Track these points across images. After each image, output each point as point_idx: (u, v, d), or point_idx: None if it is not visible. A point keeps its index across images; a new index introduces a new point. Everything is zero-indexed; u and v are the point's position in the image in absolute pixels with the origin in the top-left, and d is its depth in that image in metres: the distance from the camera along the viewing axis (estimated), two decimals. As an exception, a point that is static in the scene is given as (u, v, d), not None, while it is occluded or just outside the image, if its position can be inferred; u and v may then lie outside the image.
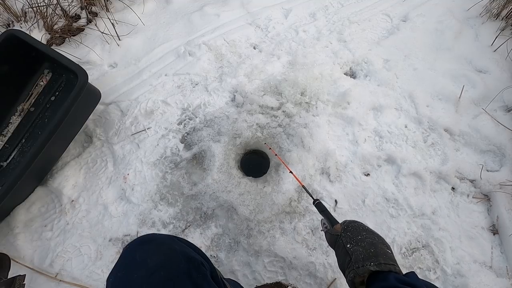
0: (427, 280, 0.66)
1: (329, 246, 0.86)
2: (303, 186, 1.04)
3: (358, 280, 0.67)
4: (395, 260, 0.68)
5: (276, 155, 1.36)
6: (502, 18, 1.80)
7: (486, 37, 1.76)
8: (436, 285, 1.18)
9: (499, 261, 1.23)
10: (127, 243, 1.06)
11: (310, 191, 1.33)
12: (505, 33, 1.75)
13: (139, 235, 1.24)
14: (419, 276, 0.64)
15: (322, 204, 0.93)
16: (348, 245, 0.73)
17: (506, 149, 1.41)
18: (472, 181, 1.39)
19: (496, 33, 1.74)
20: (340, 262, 0.76)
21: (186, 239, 1.24)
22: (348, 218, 0.88)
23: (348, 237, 0.75)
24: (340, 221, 0.84)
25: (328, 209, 0.92)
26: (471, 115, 1.52)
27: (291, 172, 1.16)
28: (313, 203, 0.94)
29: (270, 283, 1.14)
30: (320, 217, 0.95)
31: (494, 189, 1.34)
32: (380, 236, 0.75)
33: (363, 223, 0.81)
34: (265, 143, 1.45)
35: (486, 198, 1.35)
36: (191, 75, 1.66)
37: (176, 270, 0.58)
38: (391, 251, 0.71)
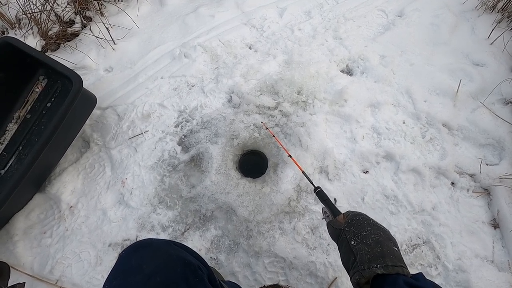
0: (430, 279, 0.65)
1: (331, 239, 0.83)
2: (303, 172, 1.02)
3: (363, 281, 0.64)
4: (402, 259, 0.66)
5: (273, 136, 1.37)
6: (498, 11, 1.79)
7: (483, 30, 1.75)
8: (438, 281, 1.18)
9: (500, 255, 1.22)
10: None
11: (308, 189, 1.33)
12: (502, 25, 1.74)
13: (138, 239, 1.24)
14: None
15: (324, 192, 0.90)
16: (353, 242, 0.69)
17: (505, 142, 1.41)
18: (471, 175, 1.38)
19: (492, 26, 1.73)
20: (344, 260, 0.73)
21: (186, 242, 1.24)
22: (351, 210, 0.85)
23: (352, 232, 0.71)
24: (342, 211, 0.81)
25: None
26: (469, 109, 1.52)
27: (290, 156, 1.15)
28: (314, 191, 0.92)
29: (268, 285, 1.13)
30: (321, 205, 0.92)
31: (494, 183, 1.33)
32: (386, 231, 0.72)
33: (368, 215, 0.77)
34: (261, 122, 1.46)
35: (486, 192, 1.34)
36: (187, 77, 1.65)
37: (173, 275, 0.58)
38: (398, 247, 0.68)
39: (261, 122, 1.45)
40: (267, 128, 1.40)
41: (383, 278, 0.62)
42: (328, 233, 0.96)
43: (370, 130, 1.47)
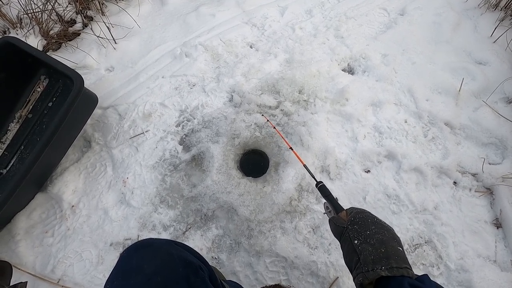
0: (431, 278, 0.64)
1: (333, 236, 0.81)
2: (304, 166, 1.01)
3: (367, 282, 0.63)
4: (407, 259, 0.64)
5: (274, 128, 1.37)
6: (501, 9, 1.78)
7: (485, 28, 1.74)
8: (440, 281, 1.17)
9: (503, 255, 1.21)
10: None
11: (310, 189, 1.33)
12: (505, 23, 1.73)
13: (140, 239, 1.24)
14: (423, 273, 0.62)
15: (326, 187, 0.89)
16: (356, 241, 0.68)
17: (508, 142, 1.40)
18: (474, 174, 1.37)
19: (495, 24, 1.72)
20: (347, 259, 0.71)
21: (187, 241, 1.25)
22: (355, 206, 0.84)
23: (355, 231, 0.70)
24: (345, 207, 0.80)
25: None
26: (472, 108, 1.51)
27: (291, 148, 1.15)
28: (316, 186, 0.91)
29: (269, 285, 1.13)
30: (322, 202, 0.91)
31: (497, 182, 1.32)
32: (390, 229, 0.70)
33: (371, 213, 0.75)
34: (262, 115, 1.47)
35: (489, 191, 1.34)
36: (188, 76, 1.65)
37: (174, 275, 0.58)
38: (402, 247, 0.67)
39: (262, 115, 1.46)
40: (267, 120, 1.40)
41: (387, 280, 0.60)
42: (330, 230, 0.95)
43: (372, 129, 1.47)
